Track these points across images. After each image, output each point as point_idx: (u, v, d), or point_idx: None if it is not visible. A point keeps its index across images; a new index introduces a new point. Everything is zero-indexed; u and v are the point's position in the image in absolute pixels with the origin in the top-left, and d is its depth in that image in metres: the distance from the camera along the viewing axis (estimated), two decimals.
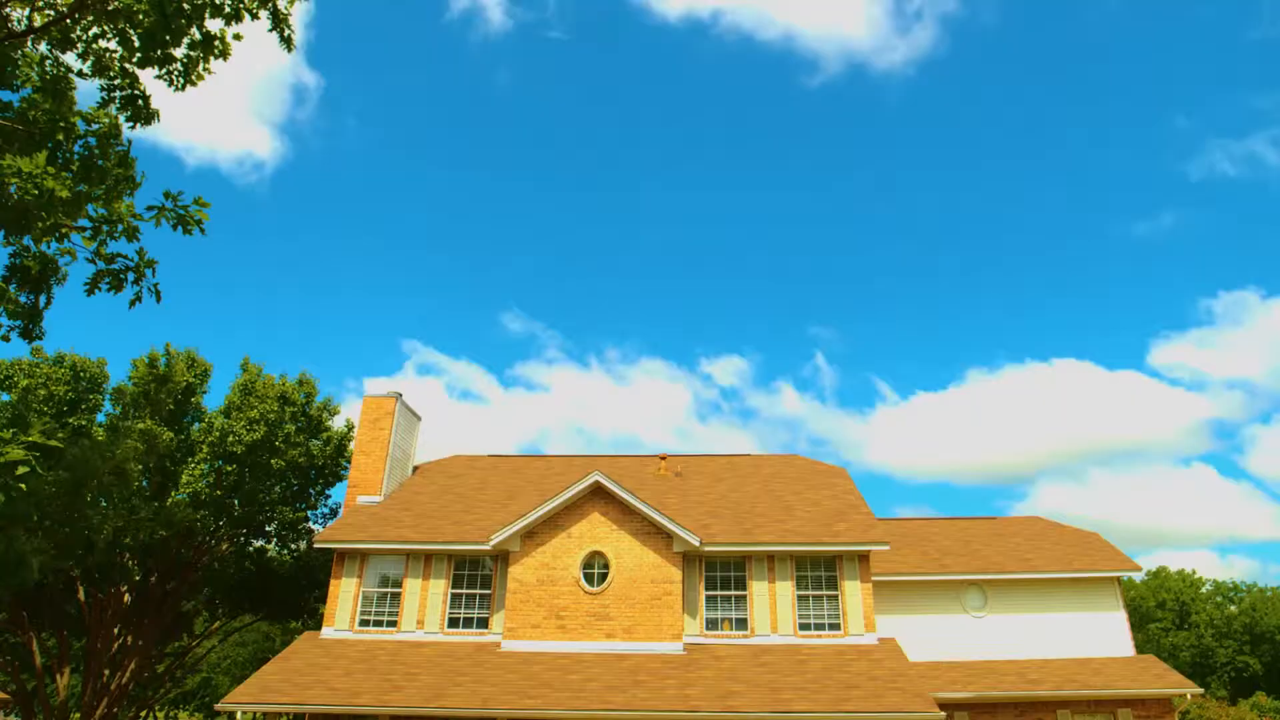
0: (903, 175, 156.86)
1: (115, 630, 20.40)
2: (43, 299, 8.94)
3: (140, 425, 18.58)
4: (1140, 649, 45.96)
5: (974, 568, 23.25)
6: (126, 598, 20.60)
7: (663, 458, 23.07)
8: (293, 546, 23.18)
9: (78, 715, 20.10)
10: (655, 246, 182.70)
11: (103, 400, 20.40)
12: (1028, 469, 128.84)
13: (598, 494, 18.39)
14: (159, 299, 8.40)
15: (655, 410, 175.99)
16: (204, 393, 21.51)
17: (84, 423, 19.42)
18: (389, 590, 18.59)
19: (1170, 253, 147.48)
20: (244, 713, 15.60)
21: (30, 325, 8.97)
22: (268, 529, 22.43)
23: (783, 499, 20.67)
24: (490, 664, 16.53)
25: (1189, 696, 21.17)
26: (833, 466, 23.30)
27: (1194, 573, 63.34)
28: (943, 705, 19.86)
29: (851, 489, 21.32)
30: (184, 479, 19.41)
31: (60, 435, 18.97)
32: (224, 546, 21.47)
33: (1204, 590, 63.09)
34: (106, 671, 19.86)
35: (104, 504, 14.65)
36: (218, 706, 15.75)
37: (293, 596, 22.67)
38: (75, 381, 19.46)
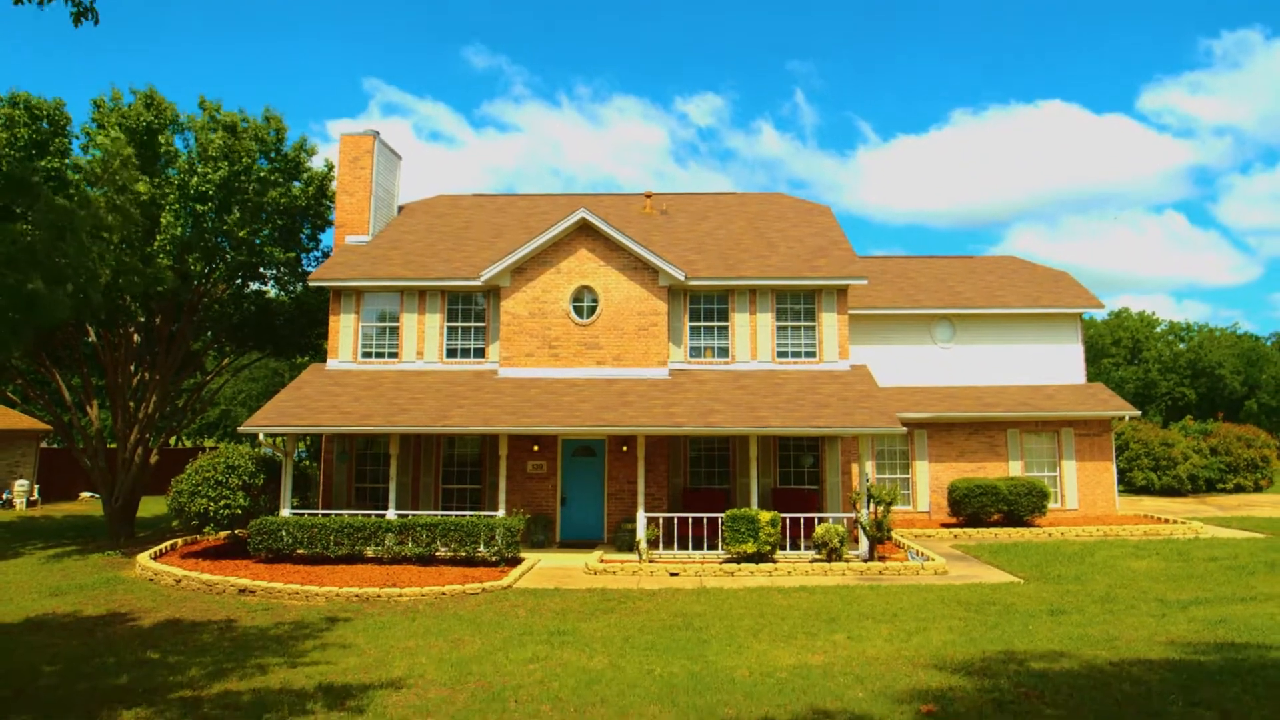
0: None
1: (131, 367, 21.42)
2: None
3: (121, 186, 18.13)
4: (1091, 380, 49.48)
5: (946, 302, 24.38)
6: (136, 338, 21.36)
7: (648, 195, 23.07)
8: (290, 288, 23.69)
9: (113, 444, 21.66)
10: None
11: (69, 143, 19.70)
12: (1003, 213, 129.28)
13: (584, 231, 18.63)
14: (96, 20, 7.98)
15: (631, 152, 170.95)
16: (170, 134, 20.75)
17: (56, 165, 18.91)
18: (387, 325, 19.39)
19: None
20: (265, 435, 16.93)
21: None
22: (262, 271, 22.76)
23: (766, 236, 21.05)
24: (489, 389, 17.75)
25: (1126, 418, 23.30)
26: (816, 204, 23.46)
27: (1152, 314, 66.46)
28: (905, 423, 21.82)
29: (834, 226, 21.66)
30: (164, 221, 19.33)
31: (35, 179, 18.48)
32: (221, 288, 21.89)
33: (1158, 330, 66.55)
34: (131, 404, 21.13)
35: (94, 252, 14.63)
36: (240, 429, 17.06)
37: (295, 335, 23.55)
38: (34, 122, 18.65)
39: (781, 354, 18.91)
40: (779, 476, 18.93)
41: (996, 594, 12.81)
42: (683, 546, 16.41)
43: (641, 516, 16.17)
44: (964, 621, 10.83)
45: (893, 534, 17.77)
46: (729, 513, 15.47)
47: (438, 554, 15.80)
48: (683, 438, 18.58)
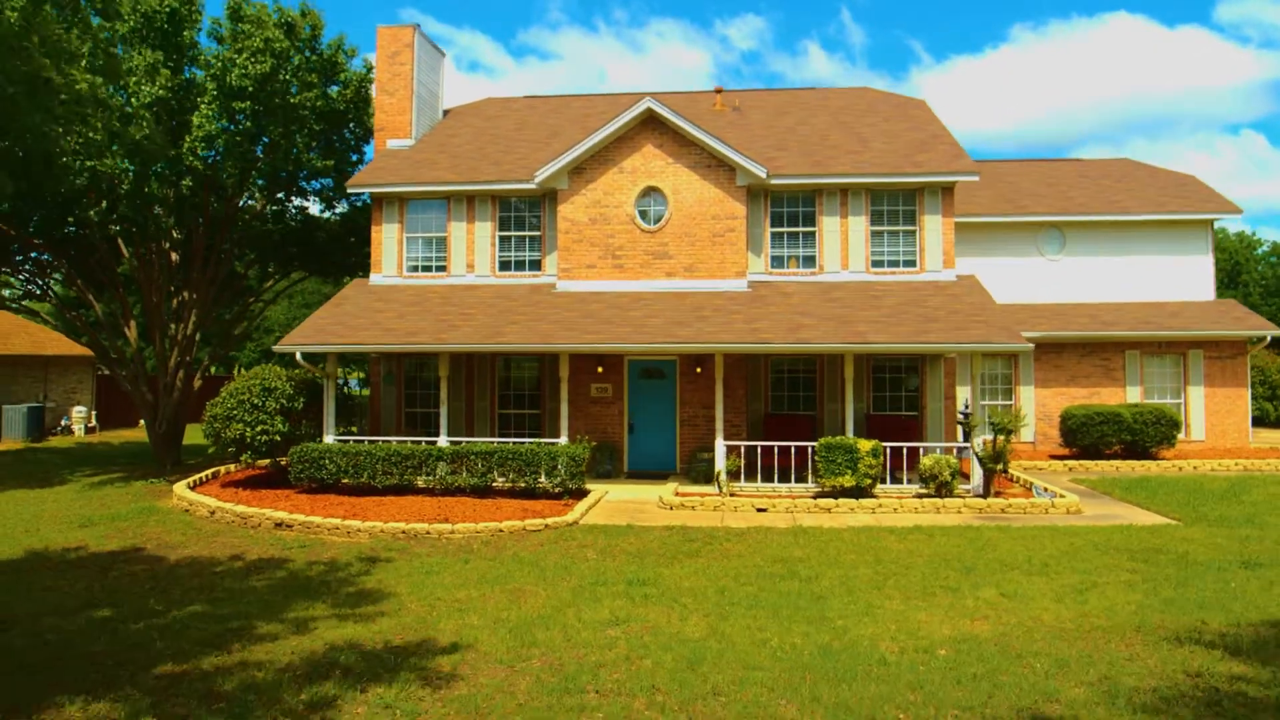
0: None
1: (171, 288, 20.15)
2: None
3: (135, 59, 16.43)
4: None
5: (1056, 209, 21.50)
6: (174, 256, 20.02)
7: (718, 91, 20.49)
8: (332, 204, 22.07)
9: (153, 370, 20.54)
10: None
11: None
12: (1065, 137, 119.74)
13: (650, 124, 16.33)
14: None
15: (674, 78, 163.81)
16: (197, 29, 18.85)
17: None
18: (434, 235, 17.54)
19: None
20: (301, 355, 15.37)
21: None
22: (302, 185, 21.10)
23: (855, 131, 18.41)
24: (546, 303, 15.85)
25: (1269, 339, 20.42)
26: (910, 98, 20.58)
27: (1253, 234, 61.18)
28: None
29: (933, 119, 18.87)
30: (196, 121, 17.61)
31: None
32: (259, 203, 20.34)
33: (1259, 252, 61.36)
34: (172, 326, 19.89)
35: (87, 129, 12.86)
36: (275, 348, 15.55)
37: (339, 252, 22.00)
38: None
39: (877, 263, 16.53)
40: (872, 402, 16.79)
41: (1157, 539, 10.63)
42: (766, 479, 14.50)
43: (720, 445, 14.28)
44: (1138, 575, 8.72)
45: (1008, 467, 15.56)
46: (823, 441, 13.46)
47: (494, 484, 14.21)
48: (764, 358, 16.52)
